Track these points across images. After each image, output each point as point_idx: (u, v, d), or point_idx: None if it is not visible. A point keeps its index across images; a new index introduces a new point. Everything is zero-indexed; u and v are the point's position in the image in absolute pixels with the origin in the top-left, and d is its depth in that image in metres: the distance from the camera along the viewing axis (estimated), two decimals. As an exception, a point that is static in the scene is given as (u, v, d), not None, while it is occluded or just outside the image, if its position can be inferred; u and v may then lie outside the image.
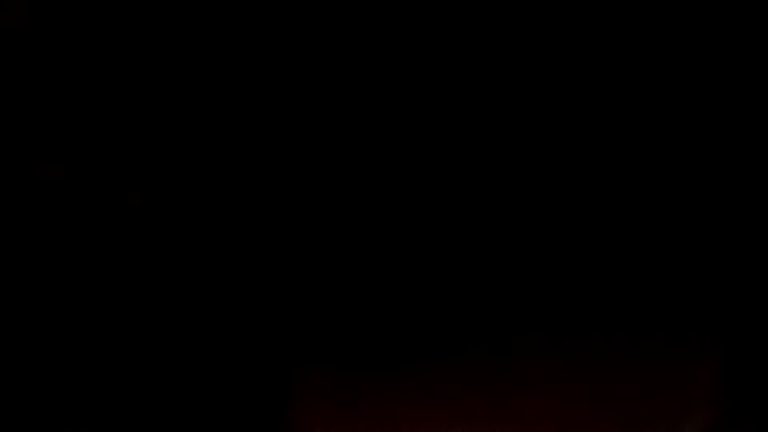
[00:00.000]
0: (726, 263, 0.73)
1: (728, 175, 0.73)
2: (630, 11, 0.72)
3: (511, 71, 0.73)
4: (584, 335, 0.71)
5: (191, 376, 0.73)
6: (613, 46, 0.72)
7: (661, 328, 0.71)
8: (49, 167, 0.72)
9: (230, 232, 0.73)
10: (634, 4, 0.72)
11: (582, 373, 0.70)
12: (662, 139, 0.73)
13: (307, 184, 0.73)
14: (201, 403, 0.73)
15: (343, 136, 0.74)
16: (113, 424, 0.72)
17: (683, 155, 0.73)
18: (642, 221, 0.73)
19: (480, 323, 0.72)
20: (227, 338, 0.73)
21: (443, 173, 0.73)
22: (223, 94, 0.73)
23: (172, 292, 0.73)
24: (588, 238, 0.73)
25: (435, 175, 0.73)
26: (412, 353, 0.71)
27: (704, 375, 0.69)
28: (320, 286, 0.73)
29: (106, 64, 0.72)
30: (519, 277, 0.73)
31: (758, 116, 0.73)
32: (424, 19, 0.72)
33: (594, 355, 0.70)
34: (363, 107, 0.73)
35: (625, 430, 0.68)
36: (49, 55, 0.71)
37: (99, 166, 0.72)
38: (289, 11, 0.72)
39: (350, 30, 0.72)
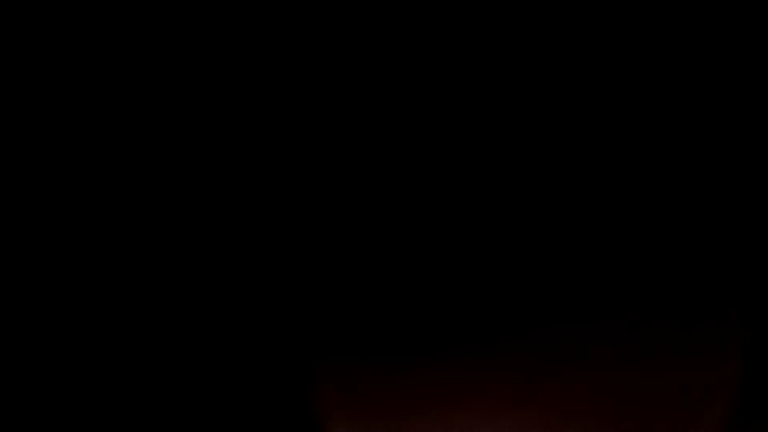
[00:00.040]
0: (747, 258, 0.74)
1: (733, 173, 0.73)
2: (630, 11, 0.72)
3: (511, 71, 0.74)
4: (605, 330, 0.72)
5: (207, 374, 0.73)
6: (613, 46, 0.73)
7: (683, 323, 0.72)
8: (26, 167, 0.72)
9: (248, 229, 0.74)
10: (634, 4, 0.72)
11: (602, 368, 0.70)
12: (672, 129, 0.74)
13: (316, 184, 0.74)
14: (219, 398, 0.73)
15: (345, 134, 0.74)
16: (118, 423, 0.72)
17: (693, 151, 0.73)
18: (661, 217, 0.74)
19: (499, 315, 0.73)
20: (244, 334, 0.74)
21: (460, 166, 0.74)
22: (216, 90, 0.73)
23: (185, 289, 0.74)
24: (607, 233, 0.74)
25: (454, 167, 0.74)
26: (429, 345, 0.72)
27: (725, 371, 0.70)
28: (338, 282, 0.75)
29: (97, 64, 0.72)
30: (537, 268, 0.74)
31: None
32: (425, 20, 0.72)
33: (614, 350, 0.71)
34: (369, 105, 0.74)
35: (645, 426, 0.68)
36: (38, 56, 0.71)
37: (77, 166, 0.72)
38: (288, 11, 0.72)
39: (351, 30, 0.73)
